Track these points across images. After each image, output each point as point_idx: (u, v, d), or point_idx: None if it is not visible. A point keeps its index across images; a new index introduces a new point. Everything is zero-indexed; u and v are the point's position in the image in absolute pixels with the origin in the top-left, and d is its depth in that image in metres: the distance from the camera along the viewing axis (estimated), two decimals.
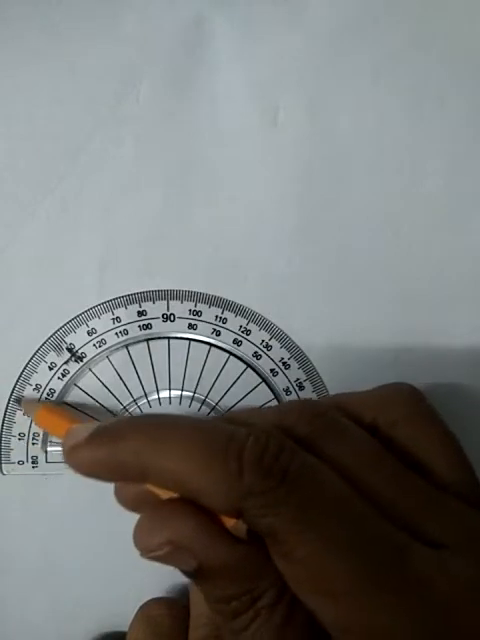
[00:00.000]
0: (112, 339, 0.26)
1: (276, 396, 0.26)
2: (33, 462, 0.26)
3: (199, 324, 0.26)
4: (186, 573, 0.19)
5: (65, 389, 0.26)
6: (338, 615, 0.17)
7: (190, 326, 0.26)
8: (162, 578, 0.27)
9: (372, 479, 0.19)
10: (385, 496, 0.19)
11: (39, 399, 0.26)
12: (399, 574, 0.17)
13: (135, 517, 0.26)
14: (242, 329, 0.26)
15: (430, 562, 0.17)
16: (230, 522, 0.18)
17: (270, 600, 0.18)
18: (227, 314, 0.26)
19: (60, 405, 0.26)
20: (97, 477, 0.20)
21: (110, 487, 0.26)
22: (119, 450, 0.19)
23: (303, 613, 0.18)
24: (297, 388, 0.26)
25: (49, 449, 0.26)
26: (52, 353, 0.26)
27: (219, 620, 0.20)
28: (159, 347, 0.26)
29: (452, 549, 0.18)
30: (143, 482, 0.19)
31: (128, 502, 0.21)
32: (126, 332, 0.26)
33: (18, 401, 0.26)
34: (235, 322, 0.26)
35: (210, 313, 0.26)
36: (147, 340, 0.26)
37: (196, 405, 0.26)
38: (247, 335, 0.26)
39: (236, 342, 0.26)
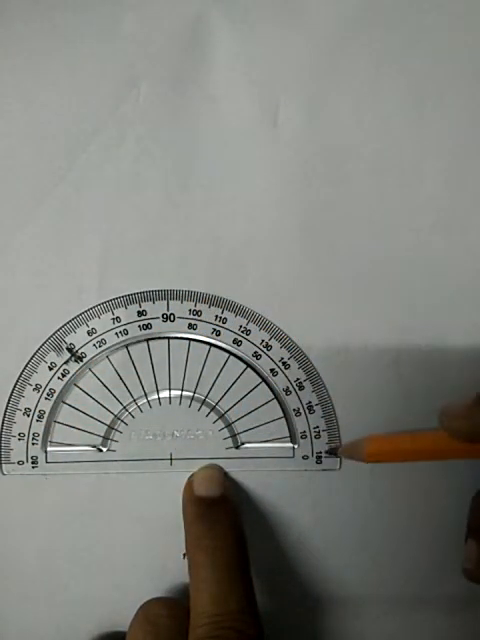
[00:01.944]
0: (112, 339, 0.26)
1: (276, 396, 0.26)
2: (33, 462, 0.26)
3: (199, 324, 0.26)
4: None
5: (65, 389, 0.26)
6: None
7: (190, 326, 0.26)
8: (162, 578, 0.27)
9: None
10: None
11: (40, 397, 0.26)
12: None
13: (134, 519, 0.26)
14: (242, 329, 0.26)
15: None
16: None
17: None
18: (227, 314, 0.26)
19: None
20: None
21: (109, 487, 0.26)
22: None
23: None
24: (297, 388, 0.26)
25: (49, 449, 0.26)
26: (52, 353, 0.26)
27: None
28: (159, 347, 0.26)
29: None
30: None
31: None
32: (126, 332, 0.26)
33: (333, 452, 0.26)
34: (235, 322, 0.26)
35: (210, 313, 0.26)
36: (147, 340, 0.26)
37: (196, 405, 0.26)
38: (247, 335, 0.26)
39: (236, 342, 0.26)
